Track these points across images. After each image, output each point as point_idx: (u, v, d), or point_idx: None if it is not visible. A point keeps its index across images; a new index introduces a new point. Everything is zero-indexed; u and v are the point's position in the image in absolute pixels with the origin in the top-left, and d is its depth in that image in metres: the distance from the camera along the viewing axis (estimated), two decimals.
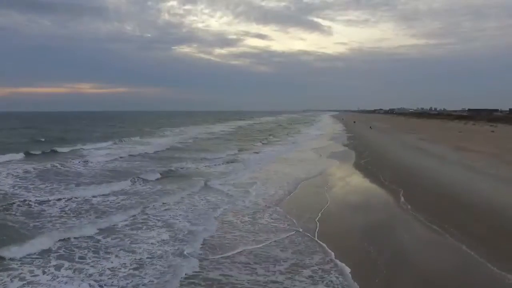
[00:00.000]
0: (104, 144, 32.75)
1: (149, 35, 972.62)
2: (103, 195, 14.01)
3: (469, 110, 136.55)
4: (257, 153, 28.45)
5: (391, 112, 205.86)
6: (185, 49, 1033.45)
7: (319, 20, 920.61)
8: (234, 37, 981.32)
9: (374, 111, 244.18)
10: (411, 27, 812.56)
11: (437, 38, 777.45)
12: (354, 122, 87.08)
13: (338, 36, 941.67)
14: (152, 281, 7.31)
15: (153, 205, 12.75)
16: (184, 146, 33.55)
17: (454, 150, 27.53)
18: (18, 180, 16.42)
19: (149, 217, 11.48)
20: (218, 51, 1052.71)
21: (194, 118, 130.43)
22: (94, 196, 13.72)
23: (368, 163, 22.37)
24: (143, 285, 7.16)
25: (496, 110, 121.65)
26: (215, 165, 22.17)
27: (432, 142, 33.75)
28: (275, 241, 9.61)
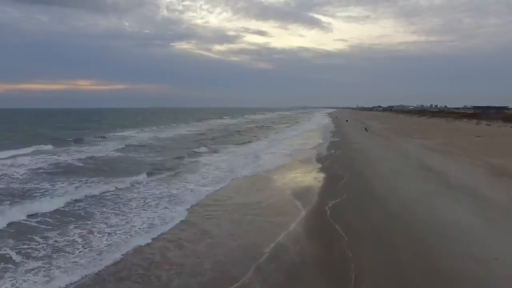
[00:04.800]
0: None
1: (148, 31, 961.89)
2: None
3: (475, 107, 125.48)
4: (187, 178, 18.02)
5: (390, 109, 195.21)
6: (184, 46, 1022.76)
7: (319, 17, 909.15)
8: (234, 33, 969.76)
9: (372, 109, 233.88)
10: (411, 23, 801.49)
11: (438, 34, 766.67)
12: (347, 120, 76.51)
13: (338, 33, 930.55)
14: None
15: None
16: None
17: (488, 174, 17.00)
18: None
19: None
20: (217, 47, 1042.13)
21: (183, 116, 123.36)
22: None
23: (339, 211, 11.87)
24: None
25: (506, 108, 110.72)
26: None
27: (447, 155, 23.21)
28: None
